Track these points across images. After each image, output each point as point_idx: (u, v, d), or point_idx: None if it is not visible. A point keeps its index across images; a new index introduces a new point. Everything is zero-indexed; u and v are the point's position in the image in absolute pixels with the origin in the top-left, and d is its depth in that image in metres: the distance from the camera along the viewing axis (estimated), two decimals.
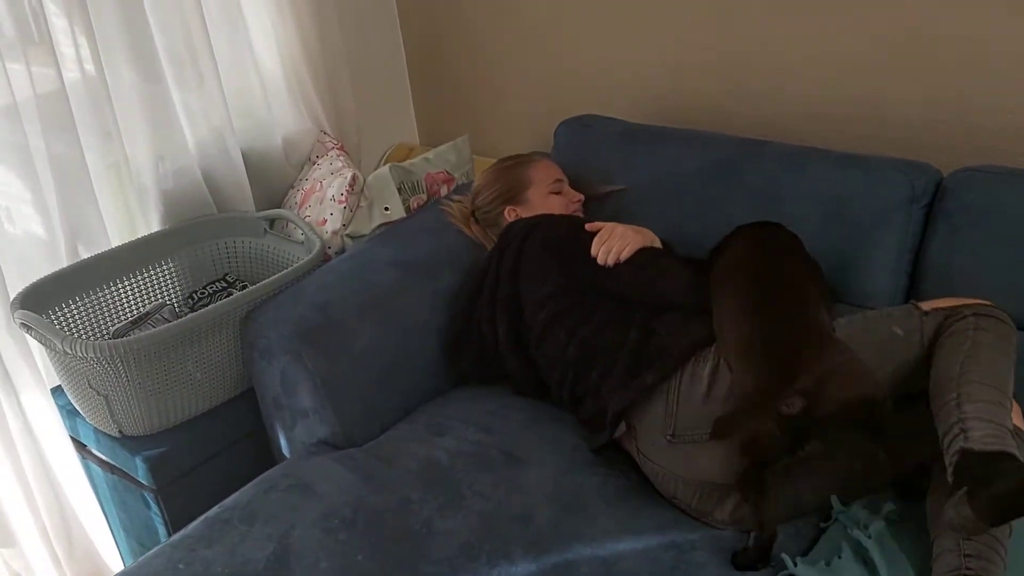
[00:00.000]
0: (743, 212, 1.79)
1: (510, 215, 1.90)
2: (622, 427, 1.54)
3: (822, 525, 1.46)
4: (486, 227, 1.97)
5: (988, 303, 1.42)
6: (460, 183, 2.24)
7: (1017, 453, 1.19)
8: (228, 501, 1.56)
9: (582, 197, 1.96)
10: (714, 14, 2.08)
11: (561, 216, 1.83)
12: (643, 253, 1.67)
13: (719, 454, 1.43)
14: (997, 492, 1.15)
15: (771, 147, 1.86)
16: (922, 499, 1.41)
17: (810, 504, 1.46)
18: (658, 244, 1.74)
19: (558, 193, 1.93)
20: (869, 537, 1.37)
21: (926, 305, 1.47)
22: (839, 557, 1.37)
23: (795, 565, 1.35)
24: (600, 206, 1.98)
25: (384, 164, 2.61)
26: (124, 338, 1.70)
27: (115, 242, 1.99)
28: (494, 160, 2.46)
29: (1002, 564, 1.27)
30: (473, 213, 1.99)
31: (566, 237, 1.74)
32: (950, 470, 1.23)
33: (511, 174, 1.95)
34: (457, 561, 1.41)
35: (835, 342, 1.39)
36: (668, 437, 1.47)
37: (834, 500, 1.45)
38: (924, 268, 1.69)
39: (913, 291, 1.72)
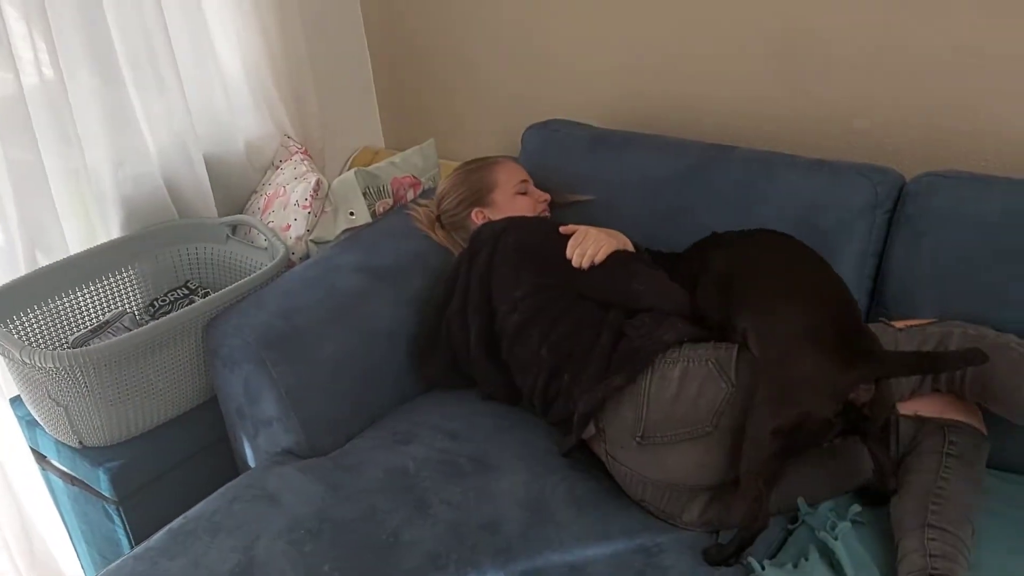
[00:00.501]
0: (712, 217, 1.80)
1: (477, 217, 1.90)
2: (591, 429, 1.54)
3: (789, 527, 1.48)
4: (452, 231, 1.95)
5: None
6: (427, 187, 2.22)
7: None
8: (191, 512, 1.54)
9: (548, 197, 1.96)
10: (680, 22, 2.09)
11: (532, 218, 1.84)
12: (616, 256, 1.68)
13: (689, 456, 1.44)
14: None
15: (739, 152, 1.87)
16: (886, 503, 1.42)
17: (785, 502, 1.47)
18: (631, 247, 1.75)
19: (524, 194, 1.93)
20: (835, 539, 1.38)
21: (899, 323, 1.53)
22: (806, 559, 1.38)
23: (763, 569, 1.35)
24: (569, 211, 1.97)
25: (349, 168, 2.59)
26: (84, 347, 1.66)
27: (74, 249, 1.95)
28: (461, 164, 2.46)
29: (966, 564, 1.29)
30: (439, 218, 1.98)
31: (538, 240, 1.74)
32: None
33: (476, 177, 1.94)
34: (425, 571, 1.40)
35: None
36: (637, 439, 1.47)
37: (801, 503, 1.46)
38: (888, 271, 1.70)
39: (876, 294, 1.73)
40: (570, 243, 1.69)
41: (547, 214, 1.95)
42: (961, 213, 1.61)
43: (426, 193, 2.19)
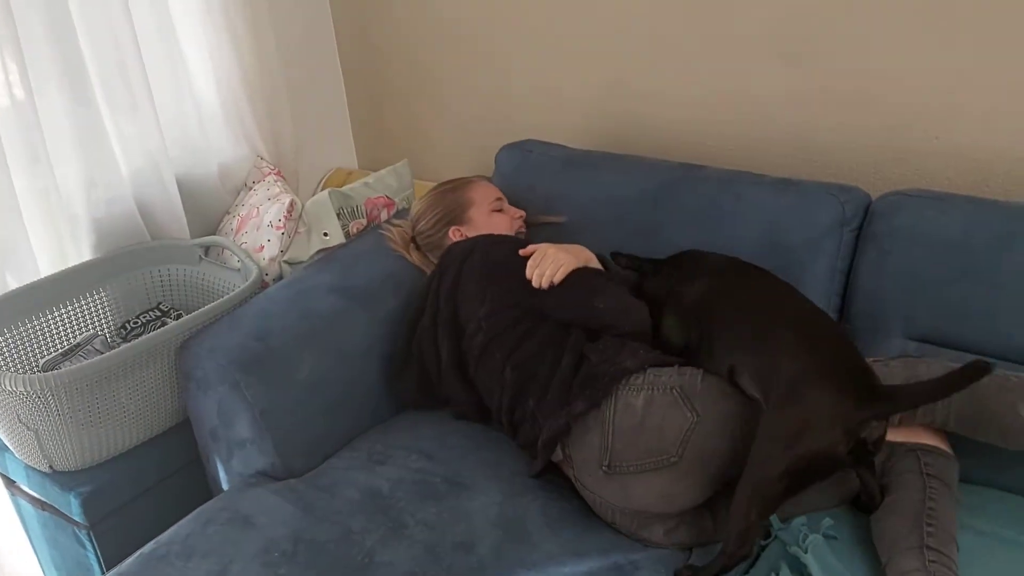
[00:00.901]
0: (683, 236, 1.82)
1: (455, 235, 1.90)
2: (558, 454, 1.55)
3: (762, 543, 1.49)
4: (428, 252, 1.96)
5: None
6: (401, 207, 2.23)
7: None
8: (164, 536, 1.53)
9: (523, 213, 1.98)
10: (650, 45, 2.12)
11: (499, 237, 1.84)
12: (576, 274, 1.68)
13: (655, 485, 1.45)
14: None
15: (708, 172, 1.90)
16: (864, 514, 1.43)
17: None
18: (595, 262, 1.75)
19: (500, 211, 1.94)
20: (806, 552, 1.39)
21: None
22: (776, 574, 1.39)
23: None
24: (542, 231, 1.99)
25: (322, 189, 2.60)
26: (55, 371, 1.65)
27: (44, 271, 1.94)
28: (434, 184, 2.48)
29: None
30: (414, 239, 1.98)
31: (505, 259, 1.74)
32: None
33: (451, 197, 1.95)
34: None
35: None
36: (604, 468, 1.48)
37: (773, 519, 1.47)
38: (855, 289, 1.73)
39: (845, 311, 1.76)
40: (529, 263, 1.69)
41: (523, 230, 1.96)
42: (925, 231, 1.64)
43: (400, 213, 2.20)
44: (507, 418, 1.65)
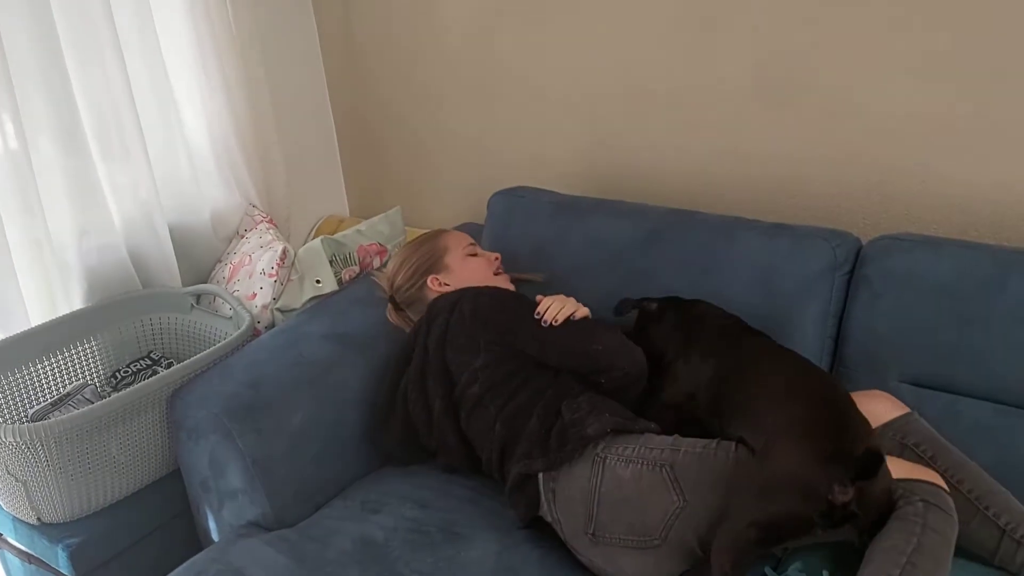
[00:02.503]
0: (676, 282, 1.83)
1: (434, 284, 1.87)
2: (547, 515, 1.54)
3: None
4: (407, 307, 1.91)
5: (937, 483, 1.40)
6: (393, 255, 2.23)
7: None
8: None
9: (498, 255, 1.96)
10: (638, 95, 2.14)
11: (487, 287, 1.82)
12: (575, 321, 1.69)
13: (638, 563, 1.43)
14: None
15: (699, 217, 1.91)
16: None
17: None
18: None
19: (474, 255, 1.93)
20: None
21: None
22: None
23: None
24: (519, 287, 2.00)
25: (314, 237, 2.60)
26: (44, 421, 1.63)
27: (35, 321, 1.93)
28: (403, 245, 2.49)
29: None
30: (392, 298, 1.93)
31: (495, 307, 1.74)
32: None
33: (425, 247, 1.93)
34: None
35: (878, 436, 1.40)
36: (589, 535, 1.47)
37: (768, 570, 1.46)
38: (848, 332, 1.73)
39: (838, 355, 1.76)
40: (546, 300, 1.70)
41: (501, 271, 1.94)
42: (916, 275, 1.65)
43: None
44: (497, 472, 1.64)
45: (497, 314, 1.72)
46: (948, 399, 1.63)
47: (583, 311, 1.71)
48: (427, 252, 1.91)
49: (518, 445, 1.59)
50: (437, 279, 1.87)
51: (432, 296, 1.85)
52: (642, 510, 1.42)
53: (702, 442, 1.47)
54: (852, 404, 1.40)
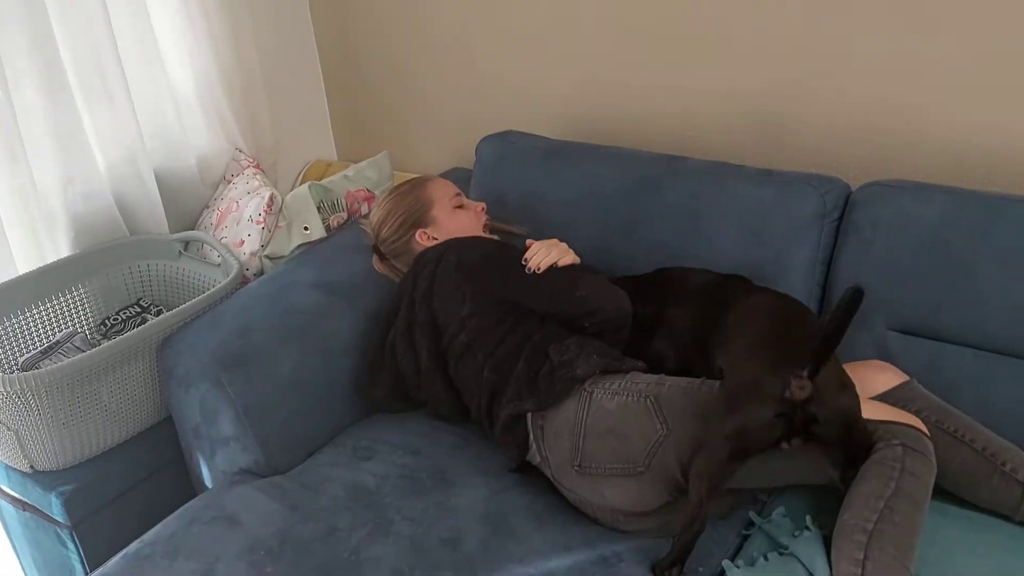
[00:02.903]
0: (665, 228, 1.84)
1: (422, 238, 1.86)
2: (535, 456, 1.56)
3: (744, 532, 1.51)
4: (393, 259, 1.91)
5: (917, 426, 1.41)
6: (377, 203, 2.22)
7: None
8: (148, 536, 1.52)
9: (484, 204, 1.95)
10: (629, 38, 2.11)
11: (472, 238, 1.81)
12: (559, 268, 1.69)
13: (624, 489, 1.46)
14: None
15: (690, 163, 1.90)
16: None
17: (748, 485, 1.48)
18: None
19: (461, 207, 1.91)
20: (794, 536, 1.41)
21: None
22: (766, 559, 1.40)
23: (737, 568, 1.39)
24: (522, 222, 2.00)
25: (302, 182, 2.58)
26: (36, 370, 1.63)
27: (22, 269, 1.92)
28: (415, 176, 2.46)
29: None
30: (377, 248, 1.93)
31: (480, 258, 1.74)
32: None
33: (410, 198, 1.90)
34: None
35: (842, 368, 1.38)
36: (575, 467, 1.49)
37: (753, 515, 1.50)
38: (836, 279, 1.74)
39: (825, 301, 1.77)
40: (535, 245, 1.71)
41: (488, 223, 1.94)
42: (905, 222, 1.65)
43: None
44: (486, 417, 1.66)
45: (482, 263, 1.72)
46: (933, 346, 1.64)
47: (570, 258, 1.71)
48: (414, 204, 1.89)
49: (507, 388, 1.60)
50: (426, 233, 1.86)
51: (420, 249, 1.85)
52: (627, 438, 1.45)
53: (688, 379, 1.50)
54: (809, 315, 1.49)
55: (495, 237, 1.91)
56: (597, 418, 1.48)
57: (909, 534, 1.30)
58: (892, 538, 1.28)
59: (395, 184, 2.26)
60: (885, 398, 1.53)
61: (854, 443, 1.36)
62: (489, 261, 1.73)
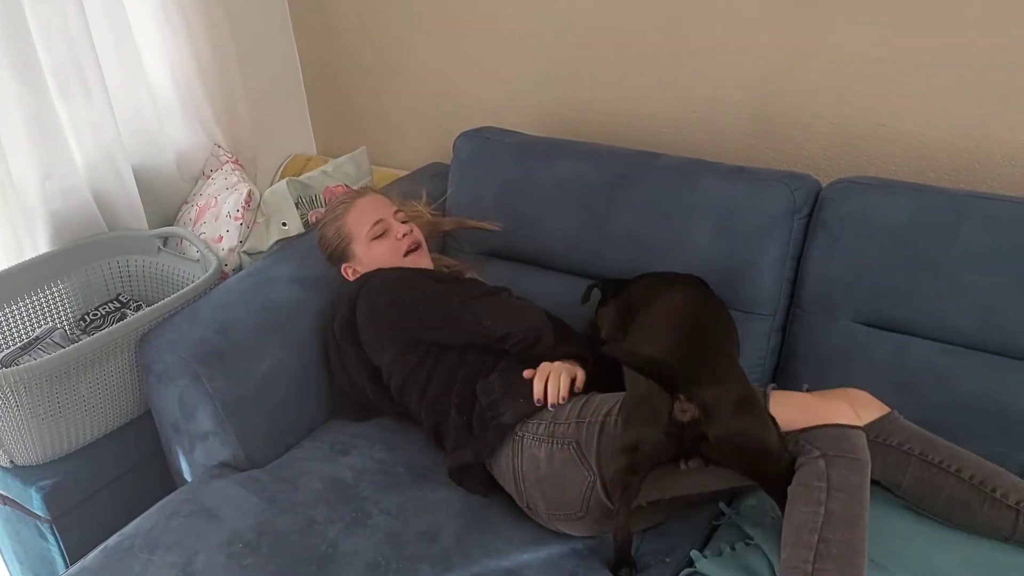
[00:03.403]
0: (638, 223, 1.86)
1: (347, 273, 1.88)
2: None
3: (714, 523, 1.55)
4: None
5: (837, 421, 1.36)
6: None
7: None
8: (128, 529, 1.54)
9: (408, 229, 1.88)
10: (605, 35, 2.13)
11: (380, 281, 1.76)
12: (455, 301, 1.69)
13: (572, 527, 1.50)
14: None
15: (663, 160, 1.92)
16: None
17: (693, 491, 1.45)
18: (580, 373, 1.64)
19: (380, 236, 1.86)
20: (757, 526, 1.45)
21: (779, 396, 1.43)
22: (732, 548, 1.44)
23: (704, 558, 1.42)
24: (498, 217, 2.02)
25: (280, 177, 2.59)
26: (15, 366, 1.64)
27: (1, 265, 1.92)
28: (393, 171, 2.49)
29: None
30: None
31: (387, 303, 1.72)
32: None
33: (331, 230, 1.89)
34: None
35: (745, 382, 1.36)
36: (525, 507, 1.53)
37: (723, 506, 1.53)
38: (805, 275, 1.76)
39: (795, 296, 1.80)
40: (537, 380, 1.58)
41: (414, 245, 1.88)
42: (872, 218, 1.68)
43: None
44: (441, 450, 1.68)
45: (392, 310, 1.71)
46: (899, 339, 1.68)
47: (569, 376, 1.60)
48: (335, 239, 1.88)
49: (447, 436, 1.63)
50: (349, 267, 1.88)
51: (348, 279, 1.87)
52: (560, 487, 1.47)
53: (605, 407, 1.47)
54: (718, 323, 1.51)
55: (426, 263, 1.90)
56: (530, 466, 1.50)
57: (851, 561, 1.24)
58: (835, 571, 1.23)
59: (375, 179, 2.28)
60: (867, 430, 1.39)
61: (763, 474, 1.33)
62: (397, 305, 1.71)
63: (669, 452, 1.31)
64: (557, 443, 1.48)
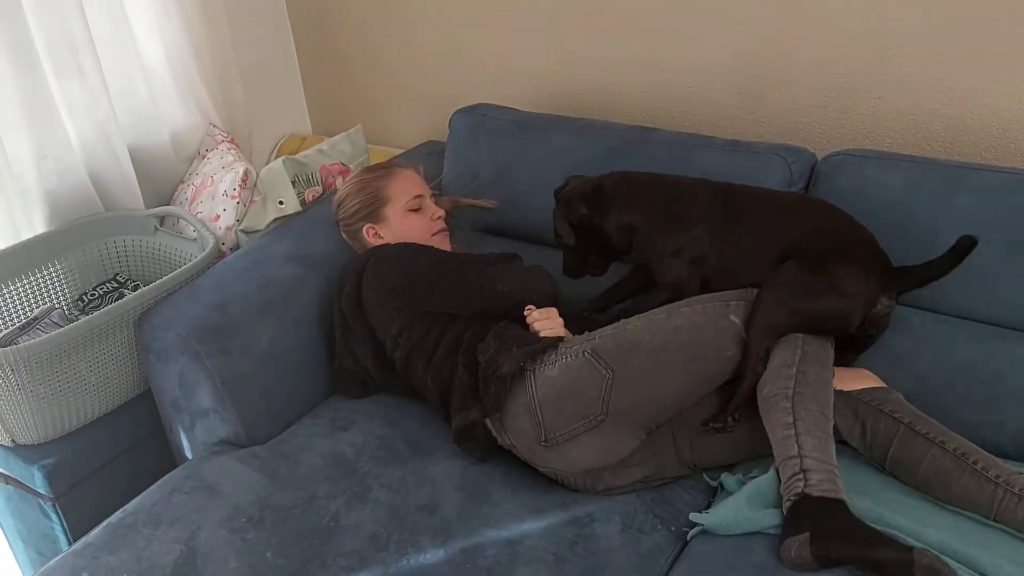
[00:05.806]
0: None
1: (368, 234, 1.89)
2: (505, 441, 1.59)
3: (712, 483, 1.58)
4: (349, 239, 1.95)
5: None
6: (349, 177, 2.23)
7: (845, 498, 1.35)
8: (130, 506, 1.55)
9: (443, 213, 1.94)
10: (598, 10, 2.13)
11: (392, 252, 1.79)
12: (469, 269, 1.72)
13: (590, 445, 1.52)
14: (833, 542, 1.31)
15: (659, 135, 1.93)
16: None
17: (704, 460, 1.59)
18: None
19: (416, 210, 1.90)
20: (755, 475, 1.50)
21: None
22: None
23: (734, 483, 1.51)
24: (494, 194, 2.02)
25: (276, 156, 2.59)
26: (15, 345, 1.65)
27: None
28: (389, 150, 2.48)
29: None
30: (338, 222, 1.96)
31: (397, 275, 1.73)
32: (787, 505, 1.36)
33: (371, 188, 1.91)
34: (366, 552, 1.44)
35: None
36: (542, 443, 1.54)
37: (724, 476, 1.55)
38: None
39: None
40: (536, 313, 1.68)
41: (444, 229, 1.93)
42: (867, 191, 1.69)
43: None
44: (445, 419, 1.69)
45: (401, 282, 1.72)
46: (896, 309, 1.68)
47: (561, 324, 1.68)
48: (371, 196, 1.90)
49: (453, 396, 1.64)
50: (372, 228, 1.89)
51: (366, 241, 1.88)
52: (579, 394, 1.51)
53: (611, 325, 1.56)
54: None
55: (447, 247, 1.91)
56: (546, 389, 1.53)
57: (824, 390, 1.44)
58: (812, 396, 1.42)
59: (370, 157, 2.28)
60: (863, 394, 1.53)
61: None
62: (407, 277, 1.72)
63: (846, 332, 1.54)
64: (570, 356, 1.53)
